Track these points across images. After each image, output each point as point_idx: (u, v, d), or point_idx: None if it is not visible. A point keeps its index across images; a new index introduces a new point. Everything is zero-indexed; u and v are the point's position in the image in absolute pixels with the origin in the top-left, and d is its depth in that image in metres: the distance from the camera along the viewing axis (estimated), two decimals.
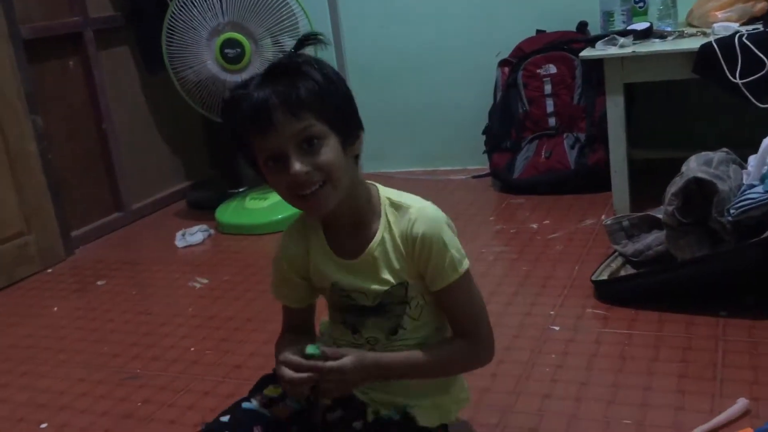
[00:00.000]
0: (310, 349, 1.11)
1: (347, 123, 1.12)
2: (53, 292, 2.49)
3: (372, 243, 1.15)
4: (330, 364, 1.10)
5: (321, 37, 1.17)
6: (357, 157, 1.16)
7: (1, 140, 2.56)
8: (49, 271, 2.69)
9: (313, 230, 1.20)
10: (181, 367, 1.84)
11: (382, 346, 1.19)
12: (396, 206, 1.17)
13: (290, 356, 1.11)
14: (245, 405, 1.20)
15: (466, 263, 1.16)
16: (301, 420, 1.21)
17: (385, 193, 1.19)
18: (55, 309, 2.34)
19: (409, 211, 1.15)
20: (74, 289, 2.50)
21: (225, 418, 1.18)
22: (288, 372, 1.10)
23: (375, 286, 1.16)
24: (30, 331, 2.19)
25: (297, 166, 1.06)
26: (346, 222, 1.17)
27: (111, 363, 1.92)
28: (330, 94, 1.09)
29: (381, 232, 1.16)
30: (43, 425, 1.66)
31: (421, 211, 1.15)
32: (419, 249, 1.13)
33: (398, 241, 1.15)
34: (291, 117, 1.05)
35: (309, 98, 1.06)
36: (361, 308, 1.19)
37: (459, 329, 1.20)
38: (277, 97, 1.05)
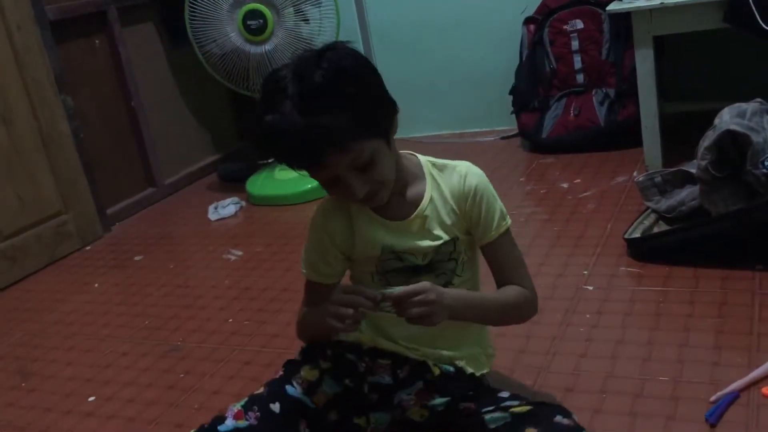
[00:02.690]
0: (390, 291, 1.10)
1: (387, 120, 1.14)
2: (93, 269, 2.55)
3: (423, 202, 1.21)
4: (404, 289, 1.09)
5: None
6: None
7: (33, 122, 2.60)
8: (88, 248, 2.76)
9: None
10: (220, 338, 1.89)
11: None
12: (440, 167, 1.24)
13: (364, 299, 1.10)
14: (290, 390, 1.20)
15: (509, 220, 1.25)
16: (338, 404, 1.22)
17: (425, 158, 1.26)
18: (96, 285, 2.40)
19: (456, 169, 1.22)
20: (113, 265, 2.56)
21: (276, 407, 1.19)
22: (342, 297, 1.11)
23: (427, 243, 1.20)
24: (73, 307, 2.26)
25: (358, 189, 1.10)
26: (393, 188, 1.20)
27: (153, 336, 1.97)
28: (367, 105, 1.07)
29: (429, 192, 1.21)
30: (91, 398, 1.72)
31: (470, 168, 1.23)
32: (471, 202, 1.20)
33: (448, 197, 1.21)
34: (341, 153, 1.05)
35: (352, 125, 1.04)
36: (411, 268, 1.22)
37: (509, 280, 1.25)
38: (323, 136, 1.02)
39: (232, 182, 3.15)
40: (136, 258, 2.56)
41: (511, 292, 1.24)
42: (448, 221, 1.21)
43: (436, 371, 1.22)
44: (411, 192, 1.22)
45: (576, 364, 1.50)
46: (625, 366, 1.46)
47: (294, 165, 1.10)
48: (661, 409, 1.32)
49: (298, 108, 1.02)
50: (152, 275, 2.39)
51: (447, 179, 1.22)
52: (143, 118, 3.07)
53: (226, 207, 2.86)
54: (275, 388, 1.22)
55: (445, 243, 1.21)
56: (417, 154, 1.27)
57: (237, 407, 1.20)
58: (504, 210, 1.24)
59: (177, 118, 3.27)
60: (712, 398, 1.31)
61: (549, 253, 2.02)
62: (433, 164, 1.24)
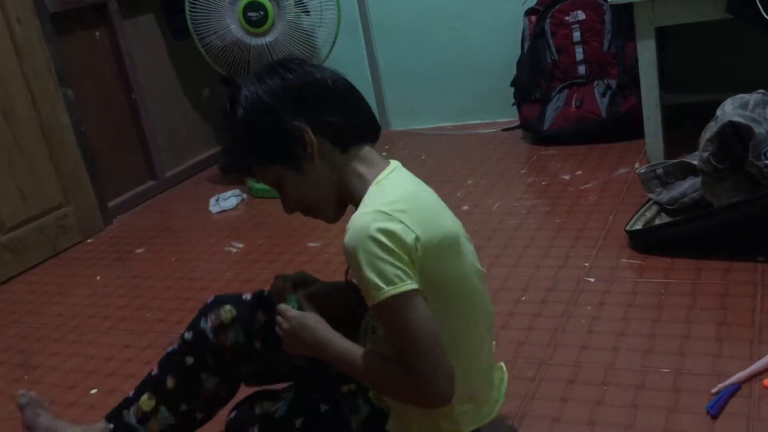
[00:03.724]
0: (290, 299, 1.18)
1: (286, 147, 1.10)
2: (95, 261, 2.55)
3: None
4: (281, 305, 1.16)
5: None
6: (340, 143, 1.11)
7: (34, 114, 2.60)
8: (90, 241, 2.76)
9: None
10: None
11: (373, 338, 1.16)
12: (363, 202, 1.08)
13: (281, 282, 1.22)
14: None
15: (386, 292, 0.99)
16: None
17: (374, 183, 1.10)
18: (98, 278, 2.40)
19: (353, 214, 1.06)
20: (115, 258, 2.56)
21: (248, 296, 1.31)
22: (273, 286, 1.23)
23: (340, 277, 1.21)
24: (75, 300, 2.26)
25: (283, 205, 1.18)
26: (353, 203, 1.13)
27: (155, 329, 1.97)
28: (257, 139, 1.11)
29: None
30: (93, 391, 1.72)
31: (353, 220, 1.04)
32: (347, 259, 1.04)
33: None
34: (251, 177, 1.19)
35: (248, 156, 1.14)
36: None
37: (395, 355, 1.06)
38: (232, 162, 1.24)
39: (234, 175, 3.14)
40: (138, 251, 2.57)
41: (388, 365, 1.06)
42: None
43: (345, 390, 1.20)
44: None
45: (577, 356, 1.50)
46: (627, 358, 1.46)
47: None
48: (662, 401, 1.32)
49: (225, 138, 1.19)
50: (154, 268, 2.39)
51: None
52: (144, 111, 3.07)
53: (228, 199, 2.86)
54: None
55: (351, 285, 1.11)
56: (385, 170, 1.11)
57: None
58: (373, 282, 0.99)
59: (178, 111, 3.27)
60: (714, 390, 1.31)
61: (550, 245, 2.02)
62: (367, 196, 1.08)
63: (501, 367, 1.24)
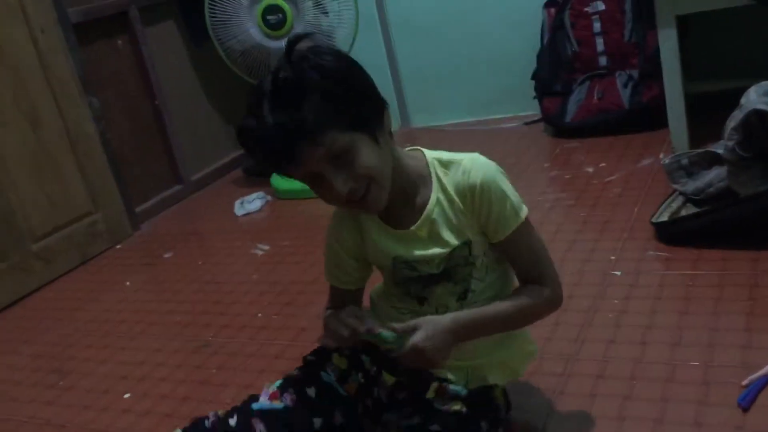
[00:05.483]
0: (385, 335, 1.07)
1: (369, 114, 1.07)
2: (124, 267, 2.59)
3: (429, 206, 1.14)
4: (404, 353, 1.07)
5: (311, 34, 1.11)
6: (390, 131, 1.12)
7: (61, 124, 2.64)
8: (118, 246, 2.80)
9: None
10: (250, 332, 1.91)
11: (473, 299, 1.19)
12: (446, 164, 1.15)
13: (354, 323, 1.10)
14: (324, 377, 1.20)
15: (525, 208, 1.15)
16: (367, 393, 1.21)
17: (433, 154, 1.17)
18: (128, 283, 2.44)
19: (461, 164, 1.14)
20: (143, 263, 2.59)
21: (311, 392, 1.19)
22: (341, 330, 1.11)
23: (438, 250, 1.14)
24: (106, 305, 2.30)
25: (338, 184, 1.04)
26: (397, 194, 1.14)
27: (184, 332, 1.99)
28: (341, 95, 1.02)
29: (435, 194, 1.14)
30: (127, 395, 1.75)
31: (473, 161, 1.14)
32: (479, 198, 1.12)
33: (454, 196, 1.14)
34: (313, 145, 1.01)
35: (323, 116, 1.00)
36: (426, 277, 1.17)
37: (528, 277, 1.18)
38: (291, 130, 1.00)
39: (257, 177, 3.16)
40: (166, 255, 2.60)
41: (525, 294, 1.17)
42: (457, 223, 1.14)
43: (431, 394, 1.17)
44: (418, 196, 1.15)
45: (605, 350, 1.49)
46: (655, 351, 1.45)
47: (271, 166, 1.07)
48: (692, 394, 1.31)
49: (270, 106, 1.02)
50: (182, 272, 2.42)
51: (452, 177, 1.14)
52: (167, 116, 3.11)
53: (252, 202, 2.88)
54: (310, 372, 1.21)
55: (458, 248, 1.14)
56: (425, 150, 1.18)
57: (272, 388, 1.21)
58: (516, 203, 1.14)
59: (201, 115, 3.30)
60: (744, 382, 1.30)
61: (575, 239, 2.01)
62: (440, 162, 1.15)
63: None
